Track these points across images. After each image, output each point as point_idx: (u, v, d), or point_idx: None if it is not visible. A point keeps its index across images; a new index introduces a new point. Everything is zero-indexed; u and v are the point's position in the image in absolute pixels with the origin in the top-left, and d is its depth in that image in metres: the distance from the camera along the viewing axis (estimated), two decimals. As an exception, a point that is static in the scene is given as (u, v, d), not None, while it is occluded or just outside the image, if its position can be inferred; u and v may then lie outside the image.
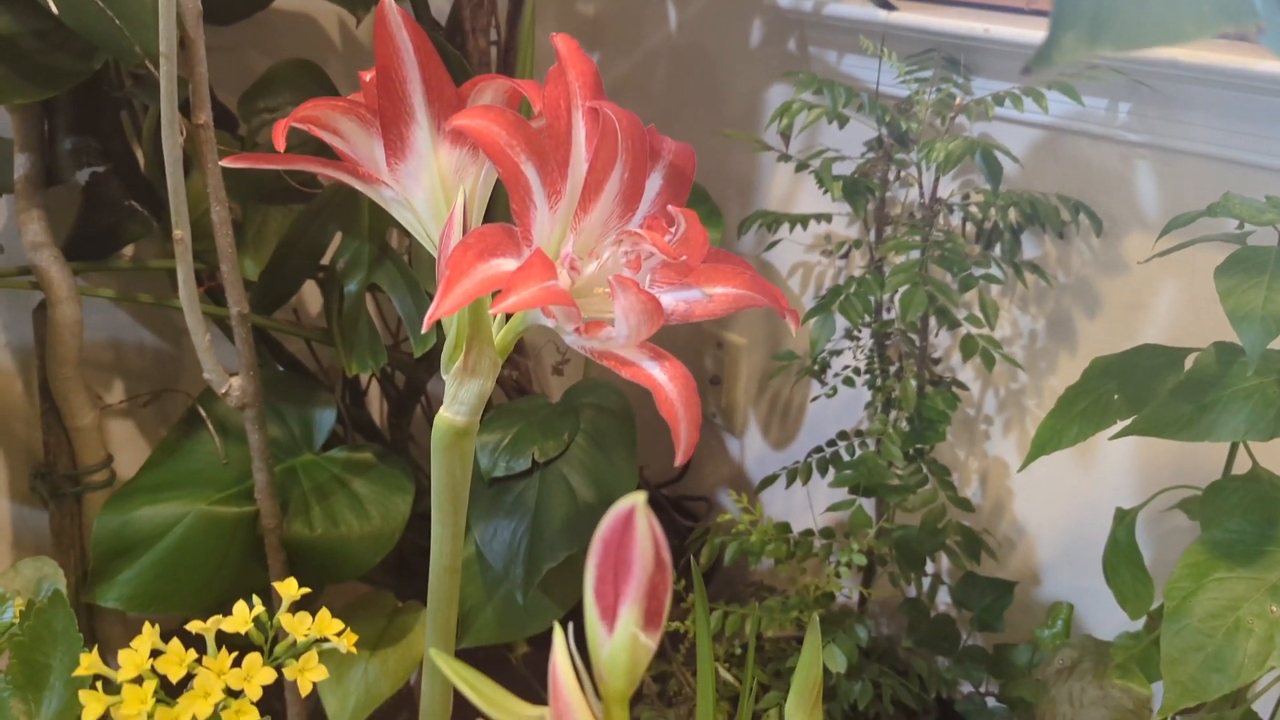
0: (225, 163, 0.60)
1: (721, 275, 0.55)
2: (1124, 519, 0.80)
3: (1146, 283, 0.92)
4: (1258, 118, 0.81)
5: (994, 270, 0.92)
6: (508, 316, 0.59)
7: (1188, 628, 0.63)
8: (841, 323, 0.97)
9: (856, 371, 1.01)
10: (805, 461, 1.03)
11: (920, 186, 0.94)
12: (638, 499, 0.32)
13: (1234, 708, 0.74)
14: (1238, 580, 0.64)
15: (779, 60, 1.17)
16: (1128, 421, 0.70)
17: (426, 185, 0.59)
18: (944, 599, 1.06)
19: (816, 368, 1.05)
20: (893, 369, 1.00)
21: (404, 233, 0.93)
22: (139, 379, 1.08)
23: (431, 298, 0.46)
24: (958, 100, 0.88)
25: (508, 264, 0.48)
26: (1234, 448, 0.75)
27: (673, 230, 0.53)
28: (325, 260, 0.95)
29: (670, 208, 0.52)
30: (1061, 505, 1.04)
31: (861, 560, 0.94)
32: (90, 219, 0.90)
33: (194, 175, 0.80)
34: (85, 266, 0.88)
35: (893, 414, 0.97)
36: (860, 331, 1.03)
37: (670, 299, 0.53)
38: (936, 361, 1.01)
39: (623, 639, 0.34)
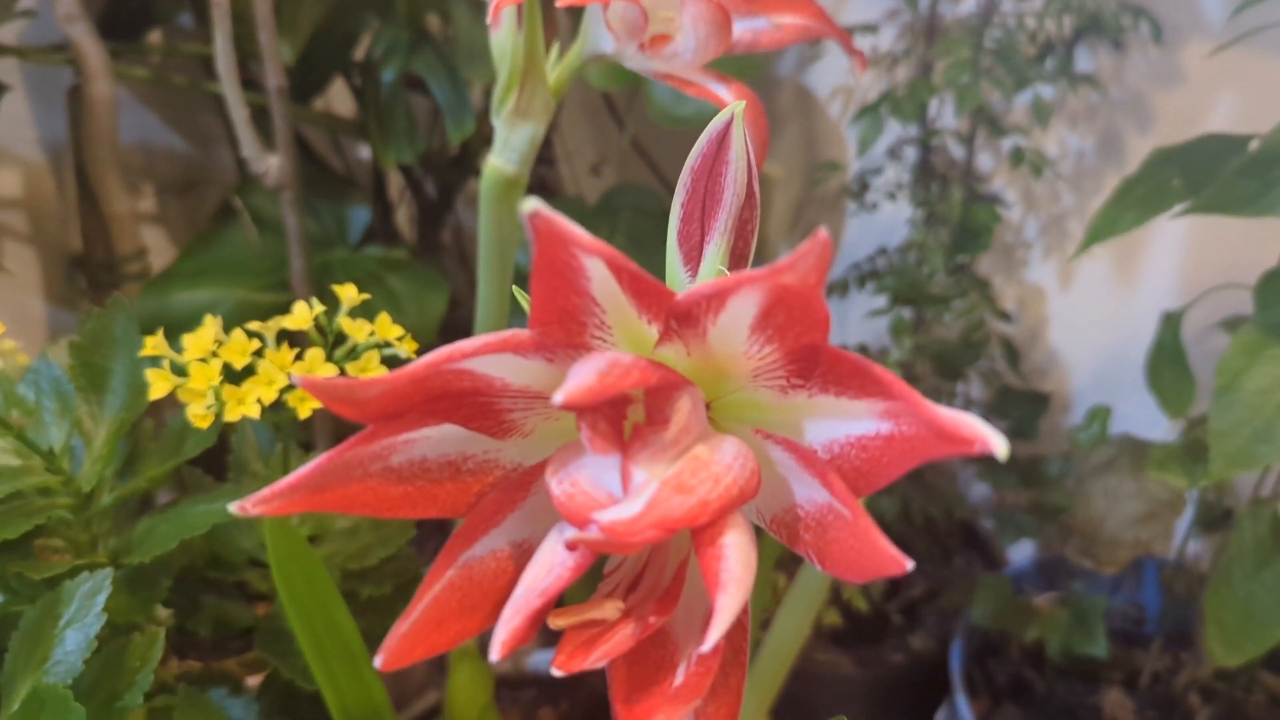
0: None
1: (789, 4, 0.53)
2: (1171, 320, 0.79)
3: (1204, 96, 0.89)
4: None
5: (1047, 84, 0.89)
6: (561, 54, 0.57)
7: (1238, 401, 0.62)
8: (883, 142, 0.95)
9: (900, 186, 0.99)
10: (841, 278, 1.02)
11: (977, -16, 0.90)
12: (736, 107, 0.30)
13: (1269, 502, 0.74)
14: (1291, 358, 0.63)
15: None
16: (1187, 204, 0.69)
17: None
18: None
19: (856, 188, 1.03)
20: (935, 187, 0.98)
21: (443, 20, 0.90)
22: (170, 186, 1.07)
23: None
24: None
25: (573, -37, 0.46)
26: (1291, 241, 0.73)
27: (742, -51, 0.51)
28: (360, 57, 0.93)
29: (741, -81, 0.49)
30: (1098, 334, 1.03)
31: (897, 372, 0.93)
32: (121, -4, 0.87)
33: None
34: (118, 48, 0.86)
35: (935, 229, 0.96)
36: (902, 152, 1.00)
37: (737, 27, 0.52)
38: (981, 180, 0.99)
39: (708, 279, 0.33)
